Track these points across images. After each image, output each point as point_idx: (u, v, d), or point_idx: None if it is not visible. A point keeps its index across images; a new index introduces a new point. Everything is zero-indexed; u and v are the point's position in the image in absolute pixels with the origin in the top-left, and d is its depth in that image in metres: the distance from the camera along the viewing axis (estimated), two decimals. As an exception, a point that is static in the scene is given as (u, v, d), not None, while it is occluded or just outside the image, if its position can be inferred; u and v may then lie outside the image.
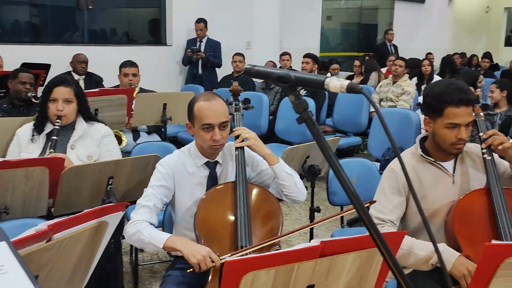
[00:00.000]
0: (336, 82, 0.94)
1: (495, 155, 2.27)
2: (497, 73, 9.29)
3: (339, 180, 0.93)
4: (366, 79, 7.83)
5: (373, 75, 7.81)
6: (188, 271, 2.04)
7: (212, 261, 1.99)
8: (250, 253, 1.89)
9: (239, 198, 2.17)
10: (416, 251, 2.05)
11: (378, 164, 4.08)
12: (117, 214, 1.53)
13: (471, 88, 3.26)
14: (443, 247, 2.03)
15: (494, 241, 1.43)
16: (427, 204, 2.21)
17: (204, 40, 7.41)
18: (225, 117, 2.21)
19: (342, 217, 3.55)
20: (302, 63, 6.31)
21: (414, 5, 12.07)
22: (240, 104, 2.56)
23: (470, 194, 2.17)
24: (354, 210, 2.01)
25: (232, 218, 2.18)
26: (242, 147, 2.31)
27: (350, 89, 0.93)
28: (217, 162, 2.33)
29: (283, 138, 5.36)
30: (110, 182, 2.54)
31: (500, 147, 2.18)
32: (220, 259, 1.99)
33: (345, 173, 0.93)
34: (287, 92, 0.97)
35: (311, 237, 3.02)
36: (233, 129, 2.34)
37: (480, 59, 10.74)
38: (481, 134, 2.30)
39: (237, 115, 2.50)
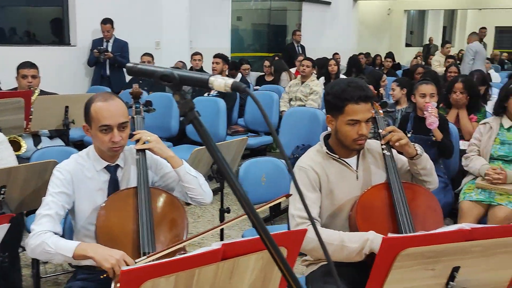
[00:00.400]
0: (220, 81, 0.91)
1: (394, 151, 2.36)
2: (399, 72, 9.79)
3: (228, 181, 0.91)
4: (277, 79, 7.96)
5: (284, 75, 7.95)
6: (102, 276, 1.93)
7: (128, 265, 1.90)
8: (154, 260, 1.82)
9: (141, 204, 2.09)
10: (348, 244, 2.05)
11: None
12: (0, 227, 1.41)
13: (371, 86, 3.39)
14: (372, 234, 2.04)
15: (390, 234, 1.46)
16: (333, 200, 2.25)
17: (111, 40, 7.18)
18: (124, 117, 2.12)
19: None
20: (213, 63, 6.28)
21: (321, 6, 12.44)
22: (140, 107, 2.47)
23: (371, 189, 2.23)
24: (260, 208, 2.02)
25: (134, 224, 2.10)
26: (144, 151, 2.23)
27: (235, 88, 0.90)
28: (118, 166, 2.23)
29: (194, 139, 5.30)
30: (2, 192, 2.35)
31: (397, 144, 2.26)
32: (136, 262, 1.90)
33: (234, 175, 0.91)
34: (172, 91, 0.92)
35: (222, 239, 2.99)
36: (133, 133, 2.25)
37: (383, 59, 11.28)
38: (380, 130, 2.38)
39: (137, 118, 2.42)
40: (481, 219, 3.46)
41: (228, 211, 2.95)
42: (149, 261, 1.77)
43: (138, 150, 2.23)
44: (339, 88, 2.19)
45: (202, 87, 0.91)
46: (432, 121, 3.62)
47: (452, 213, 3.76)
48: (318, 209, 2.22)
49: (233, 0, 9.81)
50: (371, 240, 2.02)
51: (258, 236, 1.41)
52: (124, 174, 2.24)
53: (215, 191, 4.15)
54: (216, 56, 6.26)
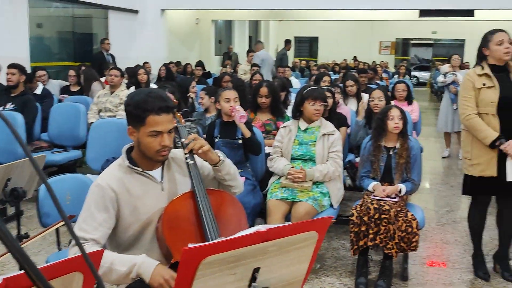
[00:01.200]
0: None
1: (200, 159, 2.36)
2: (210, 80, 10.06)
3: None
4: (87, 89, 7.55)
5: (96, 85, 7.57)
6: None
7: None
8: None
9: None
10: (117, 267, 2.00)
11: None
12: None
13: (171, 95, 3.39)
14: (142, 258, 2.03)
15: (190, 245, 1.45)
16: (139, 215, 2.19)
17: None
18: None
19: (58, 240, 3.29)
20: (7, 74, 5.69)
21: (128, 15, 12.20)
22: None
23: (177, 199, 2.21)
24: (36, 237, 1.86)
25: None
26: None
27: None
28: None
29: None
30: None
31: (200, 151, 2.27)
32: None
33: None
34: None
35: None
36: None
37: (194, 67, 11.49)
38: (183, 140, 2.37)
39: None
40: (287, 216, 3.70)
41: (27, 236, 2.68)
42: None
43: None
44: (140, 99, 2.13)
45: None
46: (242, 114, 3.81)
47: (262, 213, 3.95)
48: (105, 230, 2.13)
49: (31, 6, 9.08)
50: (139, 264, 2.01)
51: (49, 264, 1.29)
52: None
53: (10, 217, 3.75)
54: (10, 66, 5.68)
